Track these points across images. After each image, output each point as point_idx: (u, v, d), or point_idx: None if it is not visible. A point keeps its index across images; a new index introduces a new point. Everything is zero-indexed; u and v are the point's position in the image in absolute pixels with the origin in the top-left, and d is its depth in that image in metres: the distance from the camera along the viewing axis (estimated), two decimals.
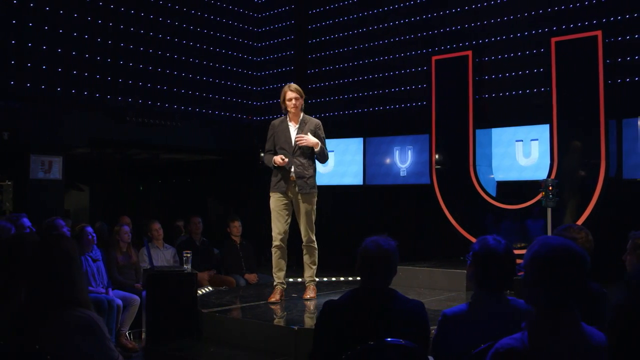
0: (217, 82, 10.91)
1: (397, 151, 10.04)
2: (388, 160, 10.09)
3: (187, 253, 5.63)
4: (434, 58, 9.07)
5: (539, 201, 7.88)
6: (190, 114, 10.36)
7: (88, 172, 12.09)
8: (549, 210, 6.40)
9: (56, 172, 8.57)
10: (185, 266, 5.54)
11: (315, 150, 5.78)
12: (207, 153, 11.09)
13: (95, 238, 6.51)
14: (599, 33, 7.61)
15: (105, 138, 9.18)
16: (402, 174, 9.98)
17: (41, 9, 8.65)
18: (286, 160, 5.69)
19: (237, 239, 8.26)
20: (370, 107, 10.47)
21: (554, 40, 7.95)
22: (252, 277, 8.00)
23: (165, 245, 7.71)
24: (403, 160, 9.97)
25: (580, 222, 7.54)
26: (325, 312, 3.03)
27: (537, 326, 2.09)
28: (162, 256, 7.49)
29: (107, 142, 9.30)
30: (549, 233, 6.21)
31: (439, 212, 8.79)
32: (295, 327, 4.60)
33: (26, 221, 5.55)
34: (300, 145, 5.74)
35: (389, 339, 2.80)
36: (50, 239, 3.09)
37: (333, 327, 2.97)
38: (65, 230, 6.17)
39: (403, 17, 10.10)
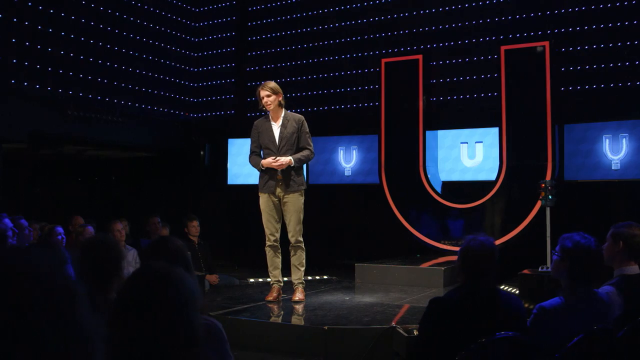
0: (155, 76, 10.49)
1: (342, 151, 10.15)
2: (333, 160, 10.18)
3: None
4: (383, 60, 9.22)
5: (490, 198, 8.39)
6: (129, 109, 9.88)
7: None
8: (548, 210, 6.77)
9: None
10: None
11: (291, 165, 5.75)
12: (141, 150, 10.62)
13: (65, 239, 6.08)
14: (546, 44, 8.16)
15: (45, 132, 8.54)
16: (346, 173, 10.11)
17: None
18: (277, 162, 5.65)
19: (196, 239, 7.98)
20: (315, 106, 10.49)
21: (503, 48, 8.40)
22: (213, 278, 7.76)
23: (127, 246, 7.31)
24: (348, 159, 10.10)
25: (526, 222, 8.08)
26: (434, 310, 3.06)
27: None
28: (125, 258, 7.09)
29: (46, 137, 8.66)
30: (548, 232, 6.56)
31: (385, 211, 8.95)
32: (326, 327, 4.56)
33: (8, 222, 5.09)
34: (279, 165, 5.68)
35: (503, 333, 2.89)
36: (159, 239, 2.90)
37: (443, 325, 3.01)
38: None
39: (350, 19, 10.19)
